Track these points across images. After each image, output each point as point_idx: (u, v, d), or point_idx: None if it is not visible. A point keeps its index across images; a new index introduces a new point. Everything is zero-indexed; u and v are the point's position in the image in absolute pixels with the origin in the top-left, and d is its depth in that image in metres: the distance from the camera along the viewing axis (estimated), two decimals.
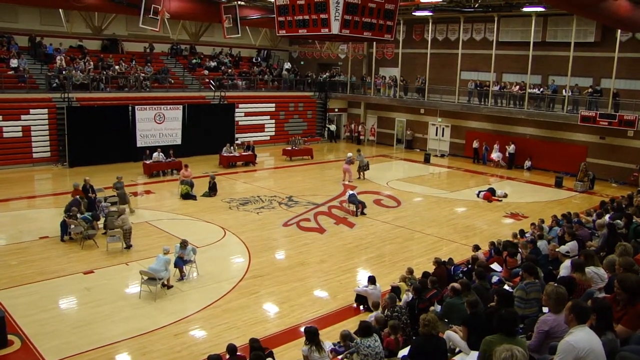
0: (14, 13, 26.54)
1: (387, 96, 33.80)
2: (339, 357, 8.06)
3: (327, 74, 37.07)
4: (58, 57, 27.50)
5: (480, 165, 28.98)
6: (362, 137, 35.51)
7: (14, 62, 26.28)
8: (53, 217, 16.18)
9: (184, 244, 12.75)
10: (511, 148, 28.04)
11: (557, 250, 10.40)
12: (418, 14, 28.66)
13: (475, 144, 29.63)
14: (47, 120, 25.07)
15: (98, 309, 11.00)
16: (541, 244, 11.83)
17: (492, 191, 21.73)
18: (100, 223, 15.57)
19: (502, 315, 5.47)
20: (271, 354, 8.24)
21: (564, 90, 25.96)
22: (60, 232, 14.93)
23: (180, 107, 27.91)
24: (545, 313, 6.27)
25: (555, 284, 6.27)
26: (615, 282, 5.93)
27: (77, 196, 16.17)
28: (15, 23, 26.75)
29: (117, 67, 29.19)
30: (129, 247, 14.41)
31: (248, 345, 8.25)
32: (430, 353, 6.34)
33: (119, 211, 15.26)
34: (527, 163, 27.73)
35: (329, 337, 9.23)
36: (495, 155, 28.58)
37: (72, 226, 14.73)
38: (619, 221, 12.31)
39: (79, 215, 15.00)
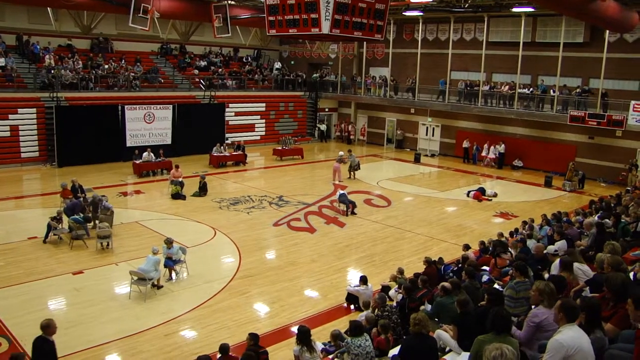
0: (0, 11, 26.30)
1: (377, 96, 33.86)
2: (330, 356, 8.06)
3: (317, 73, 37.05)
4: (47, 56, 27.28)
5: (470, 164, 29.08)
6: (352, 137, 35.54)
7: (1, 61, 26.04)
8: (42, 218, 16.04)
9: (168, 242, 12.69)
10: (501, 148, 28.19)
11: (544, 252, 10.46)
12: (408, 13, 28.74)
13: (465, 144, 29.72)
14: (35, 120, 24.87)
15: (87, 310, 10.93)
16: (531, 243, 11.90)
17: (482, 191, 21.82)
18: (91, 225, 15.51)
19: (494, 314, 5.49)
20: (265, 353, 8.22)
21: (551, 90, 26.14)
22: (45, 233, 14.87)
23: (170, 106, 27.80)
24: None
25: (544, 281, 6.43)
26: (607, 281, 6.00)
27: (80, 198, 16.39)
28: (3, 21, 26.50)
29: (106, 66, 29.01)
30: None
31: (238, 345, 8.24)
32: (420, 352, 6.35)
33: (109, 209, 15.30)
34: (518, 162, 27.88)
35: (320, 337, 9.22)
36: (491, 153, 28.55)
37: (57, 228, 14.67)
38: (607, 220, 12.42)
39: (75, 217, 14.94)
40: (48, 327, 7.25)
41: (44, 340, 7.25)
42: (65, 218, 15.12)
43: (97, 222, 15.31)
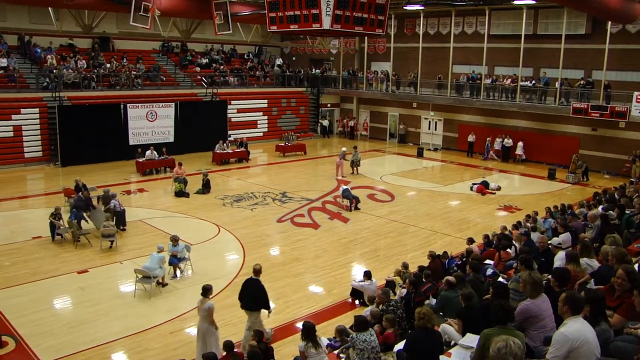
0: (2, 12, 26.32)
1: (379, 91, 33.81)
2: (335, 352, 8.07)
3: (318, 70, 36.99)
4: (49, 56, 27.31)
5: (473, 158, 28.96)
6: (356, 132, 35.50)
7: (3, 62, 26.08)
8: (46, 217, 16.05)
9: (174, 240, 12.71)
10: (506, 141, 28.08)
11: (548, 243, 10.44)
12: (409, 7, 28.61)
13: (470, 138, 29.57)
14: (38, 120, 24.94)
15: (93, 308, 10.97)
16: (534, 236, 11.88)
17: (485, 184, 21.79)
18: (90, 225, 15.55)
19: (495, 306, 5.49)
20: (271, 350, 8.24)
21: (556, 83, 26.04)
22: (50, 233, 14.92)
23: (172, 104, 27.81)
24: None
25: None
26: (622, 272, 5.97)
27: (79, 194, 16.42)
28: (4, 22, 26.55)
29: (108, 65, 29.03)
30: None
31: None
32: (425, 346, 6.35)
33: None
34: (520, 151, 27.77)
35: (325, 333, 9.23)
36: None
37: (61, 227, 14.72)
38: (611, 212, 12.39)
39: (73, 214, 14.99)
40: (260, 271, 9.52)
41: (256, 281, 9.41)
42: (65, 217, 15.19)
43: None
